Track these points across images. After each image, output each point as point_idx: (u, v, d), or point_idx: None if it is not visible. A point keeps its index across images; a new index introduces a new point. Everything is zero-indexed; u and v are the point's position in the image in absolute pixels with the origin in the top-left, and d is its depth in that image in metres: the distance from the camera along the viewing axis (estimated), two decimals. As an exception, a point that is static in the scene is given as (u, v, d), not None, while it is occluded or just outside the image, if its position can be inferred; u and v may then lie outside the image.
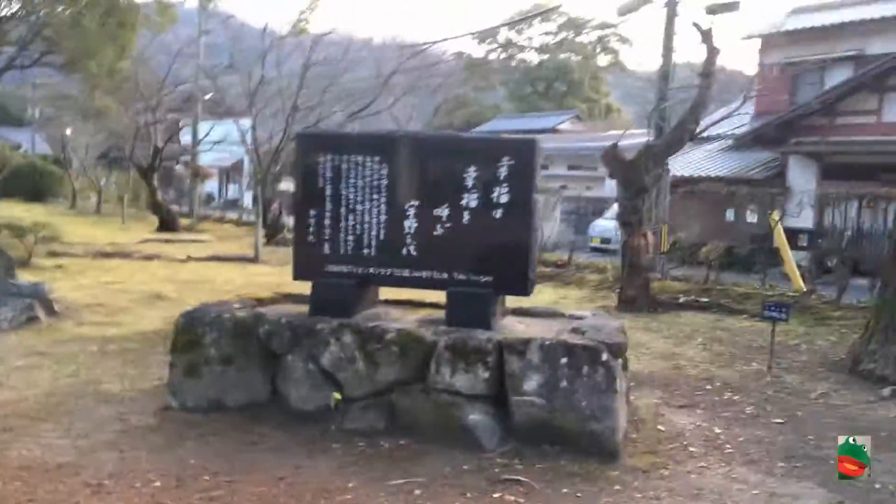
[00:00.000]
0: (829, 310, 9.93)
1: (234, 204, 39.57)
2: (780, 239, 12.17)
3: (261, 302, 5.74)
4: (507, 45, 58.07)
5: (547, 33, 56.96)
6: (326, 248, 5.33)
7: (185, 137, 32.94)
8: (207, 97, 29.96)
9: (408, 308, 5.78)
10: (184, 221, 25.61)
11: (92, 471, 4.03)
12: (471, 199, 5.07)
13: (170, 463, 4.17)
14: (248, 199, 32.14)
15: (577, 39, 56.90)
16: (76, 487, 3.82)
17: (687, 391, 6.10)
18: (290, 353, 4.94)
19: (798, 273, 11.96)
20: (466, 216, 5.08)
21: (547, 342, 4.56)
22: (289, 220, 22.46)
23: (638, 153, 10.22)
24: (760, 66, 22.77)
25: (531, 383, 4.53)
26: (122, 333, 7.49)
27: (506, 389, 4.61)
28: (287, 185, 24.90)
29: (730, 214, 20.24)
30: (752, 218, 20.15)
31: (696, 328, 9.01)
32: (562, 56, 56.12)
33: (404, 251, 5.20)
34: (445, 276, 5.14)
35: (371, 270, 5.27)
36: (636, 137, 23.57)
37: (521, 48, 58.39)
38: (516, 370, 4.56)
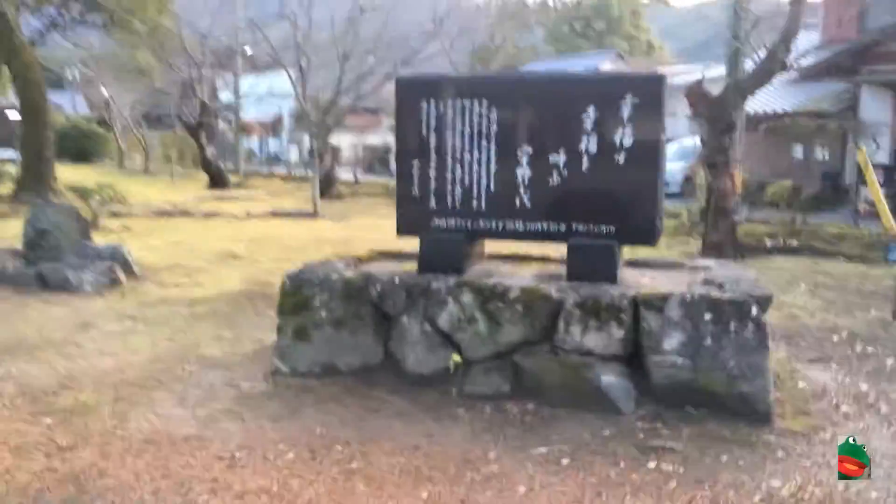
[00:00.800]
0: (932, 250, 9.34)
1: (276, 159, 39.50)
2: (871, 176, 11.49)
3: (360, 260, 5.47)
4: (544, -16, 56.30)
5: (586, -30, 55.02)
6: (432, 202, 5.01)
7: (225, 94, 32.71)
8: (248, 51, 29.60)
9: (516, 263, 5.45)
10: (233, 178, 25.57)
11: (219, 443, 3.83)
12: (590, 143, 4.68)
13: (296, 432, 3.96)
14: (293, 154, 31.93)
15: (616, -27, 54.92)
16: (208, 461, 3.62)
17: (814, 343, 5.71)
18: (404, 315, 4.66)
19: (889, 212, 11.31)
20: (586, 161, 4.70)
21: (688, 297, 4.20)
22: (340, 174, 22.24)
23: (725, 87, 9.63)
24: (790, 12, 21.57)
25: (672, 342, 4.19)
26: (207, 295, 7.32)
27: (641, 349, 4.29)
28: (337, 139, 24.60)
29: (798, 151, 19.45)
30: (821, 155, 19.35)
31: (794, 273, 8.55)
32: (600, -7, 54.28)
33: (517, 202, 4.86)
34: (564, 227, 4.79)
35: (481, 224, 4.95)
36: (685, 74, 22.65)
37: (559, -15, 56.59)
38: (655, 328, 4.22)
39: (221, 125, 37.61)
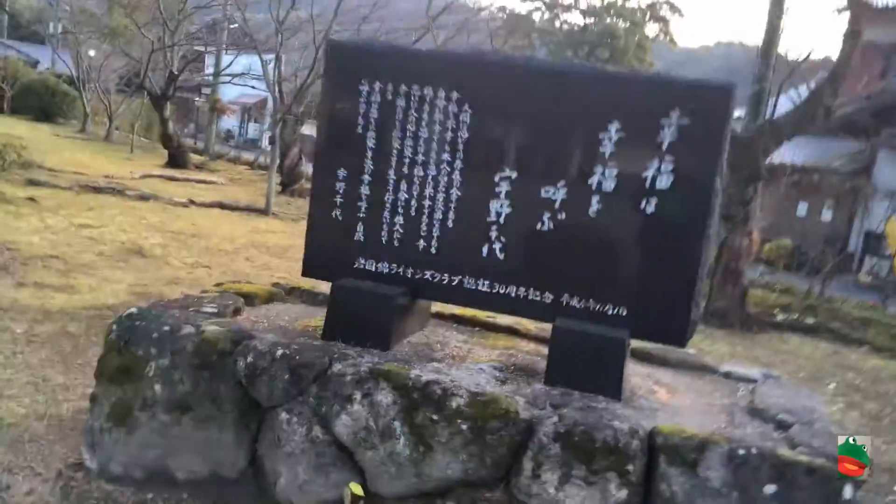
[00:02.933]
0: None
1: (253, 143, 37.56)
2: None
3: (249, 299, 3.76)
4: (553, 4, 55.12)
5: (595, -6, 53.85)
6: (360, 233, 3.34)
7: (211, 70, 30.77)
8: (234, 25, 27.71)
9: (474, 332, 3.79)
10: (198, 158, 23.70)
11: None
12: (607, 177, 3.04)
13: None
14: (266, 141, 30.07)
15: (627, 4, 53.90)
16: None
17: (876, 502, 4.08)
18: (283, 408, 2.96)
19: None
20: (595, 203, 3.06)
21: (740, 451, 2.55)
22: (308, 168, 20.46)
23: (757, 129, 8.08)
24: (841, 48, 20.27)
25: (705, 521, 2.54)
26: (70, 305, 5.56)
27: (653, 521, 2.63)
28: (311, 130, 22.85)
29: (802, 209, 18.06)
30: (826, 215, 18.00)
31: (815, 365, 6.98)
32: (608, 21, 53.18)
33: (485, 250, 3.20)
34: (550, 297, 3.14)
35: (428, 276, 3.28)
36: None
37: (567, 8, 55.45)
38: (680, 496, 2.56)
39: (199, 102, 35.86)
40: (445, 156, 3.22)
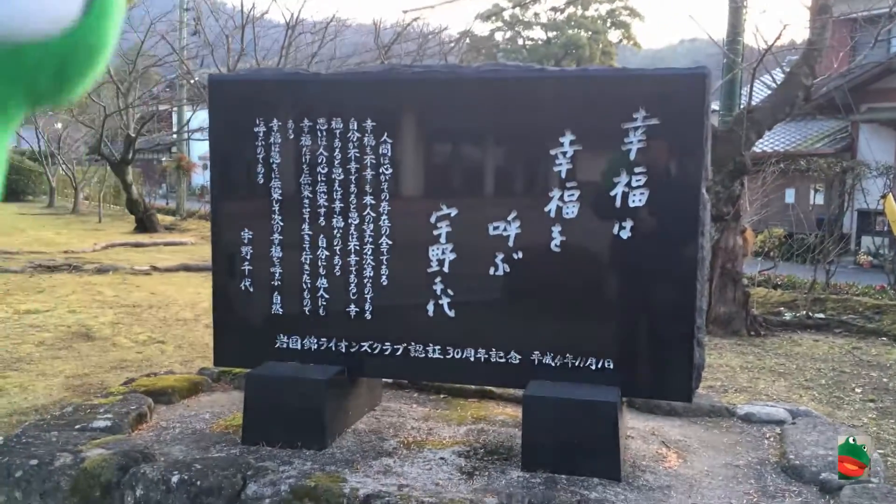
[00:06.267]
0: None
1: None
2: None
3: (164, 396, 3.11)
4: (513, 22, 55.26)
5: (554, 9, 54.01)
6: (277, 305, 2.71)
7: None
8: (194, 80, 27.30)
9: (438, 402, 3.14)
10: (170, 219, 23.07)
11: None
12: (566, 201, 2.44)
13: None
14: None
15: (586, 14, 54.11)
16: None
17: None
18: (192, 547, 2.31)
19: (925, 273, 9.26)
20: (557, 234, 2.45)
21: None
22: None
23: (735, 120, 7.53)
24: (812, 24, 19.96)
25: None
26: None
27: None
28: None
29: (790, 196, 17.56)
30: (816, 199, 17.50)
31: (835, 367, 6.34)
32: (570, 32, 53.33)
33: (431, 308, 2.58)
34: (517, 358, 2.52)
35: (366, 348, 2.65)
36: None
37: (528, 25, 55.60)
38: None
39: (166, 160, 35.31)
40: (368, 199, 2.61)
